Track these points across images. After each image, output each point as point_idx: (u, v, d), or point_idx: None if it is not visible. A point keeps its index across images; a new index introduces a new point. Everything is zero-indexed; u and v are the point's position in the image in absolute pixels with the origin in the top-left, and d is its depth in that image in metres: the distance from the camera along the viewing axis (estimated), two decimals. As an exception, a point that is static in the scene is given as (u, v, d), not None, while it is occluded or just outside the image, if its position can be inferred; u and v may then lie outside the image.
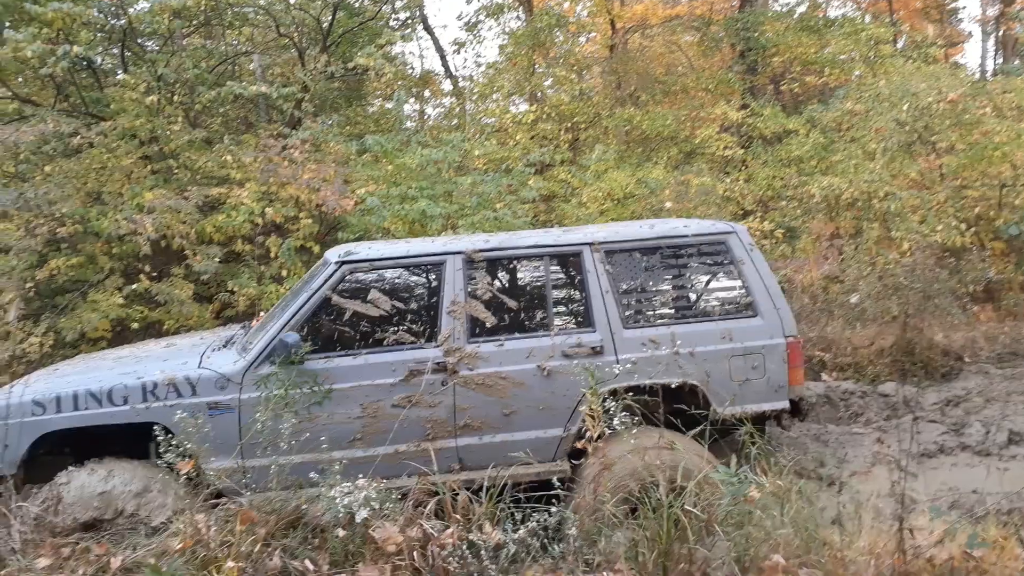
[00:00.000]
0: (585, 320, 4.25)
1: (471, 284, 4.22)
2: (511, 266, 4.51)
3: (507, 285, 4.49)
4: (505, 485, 3.59)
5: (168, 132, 7.88)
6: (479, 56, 27.72)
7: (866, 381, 6.92)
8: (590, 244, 4.32)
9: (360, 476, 3.57)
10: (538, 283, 4.43)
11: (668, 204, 9.19)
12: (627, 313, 4.26)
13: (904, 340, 7.14)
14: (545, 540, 3.27)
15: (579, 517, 3.45)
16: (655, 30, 17.99)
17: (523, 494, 3.60)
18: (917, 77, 10.02)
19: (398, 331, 4.15)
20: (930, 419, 5.98)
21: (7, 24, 7.85)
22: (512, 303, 4.30)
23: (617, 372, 3.98)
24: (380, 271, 4.29)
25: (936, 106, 9.12)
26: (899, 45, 16.42)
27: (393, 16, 14.30)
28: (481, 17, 16.55)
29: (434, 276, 4.32)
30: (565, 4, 17.42)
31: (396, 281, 4.40)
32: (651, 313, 4.36)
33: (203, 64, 8.86)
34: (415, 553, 3.12)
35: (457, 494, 3.54)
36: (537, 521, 3.28)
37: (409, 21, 15.26)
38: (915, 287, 7.36)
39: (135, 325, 6.82)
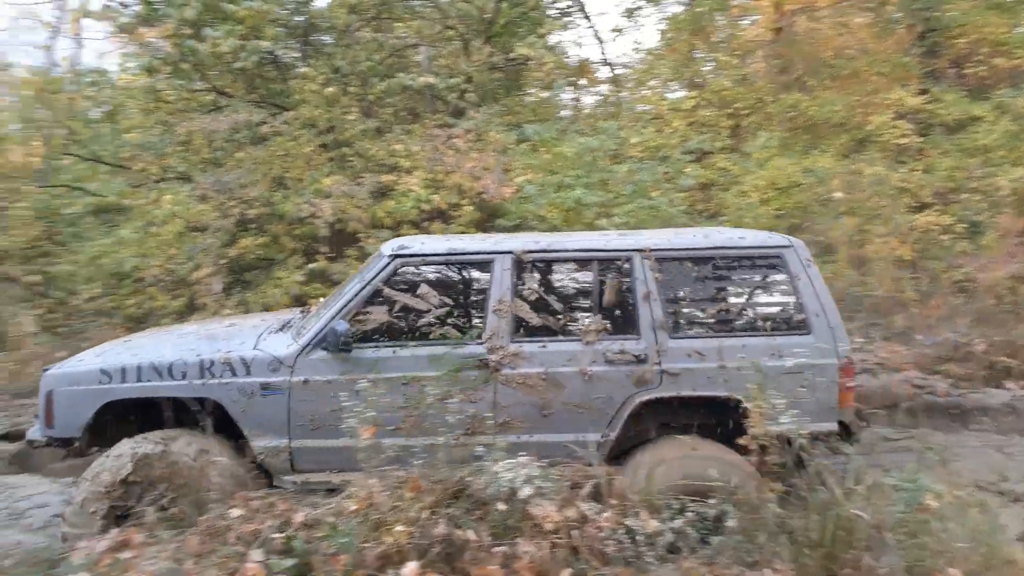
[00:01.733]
0: (631, 327, 4.20)
1: (518, 284, 4.25)
2: (560, 268, 4.47)
3: (554, 287, 4.46)
4: None
5: (343, 122, 8.38)
6: (637, 43, 27.38)
7: (1058, 391, 6.35)
8: (641, 250, 4.26)
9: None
10: (586, 287, 4.37)
11: (838, 194, 8.77)
12: (674, 322, 4.19)
13: (1104, 348, 6.48)
14: (704, 532, 3.27)
15: (740, 512, 3.42)
16: (824, 11, 17.06)
17: None
18: None
19: (444, 326, 4.22)
20: None
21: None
22: (558, 305, 4.30)
23: (659, 381, 3.98)
24: (431, 266, 4.37)
25: None
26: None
27: (552, 4, 14.41)
28: (641, 3, 16.34)
29: (483, 274, 4.34)
30: (728, -14, 16.85)
31: (446, 277, 4.45)
32: (699, 324, 4.25)
33: (375, 56, 9.31)
34: (572, 532, 3.20)
35: (614, 478, 3.61)
36: (696, 512, 3.28)
37: (568, 9, 15.32)
38: (1120, 290, 6.64)
39: (313, 302, 7.32)
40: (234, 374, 4.15)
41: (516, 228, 7.91)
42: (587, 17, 16.25)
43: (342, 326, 4.06)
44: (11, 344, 8.05)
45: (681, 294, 4.26)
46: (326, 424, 4.11)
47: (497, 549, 3.26)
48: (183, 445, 4.06)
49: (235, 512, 3.72)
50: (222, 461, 4.06)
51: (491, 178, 8.00)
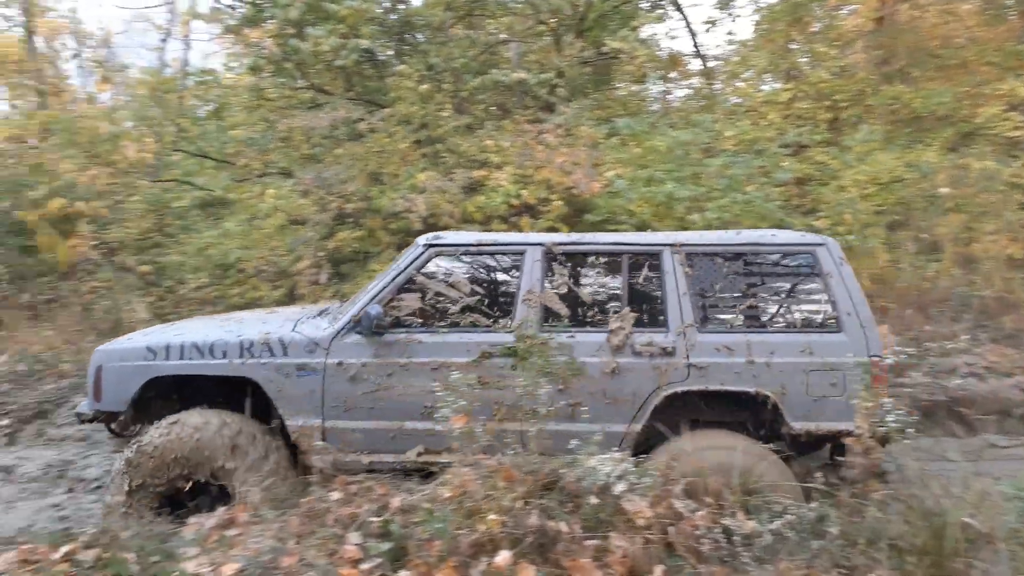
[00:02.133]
0: (659, 320, 4.23)
1: (548, 275, 4.33)
2: (589, 261, 4.52)
3: (584, 280, 4.51)
4: None
5: (437, 119, 8.53)
6: (730, 34, 26.76)
7: None
8: (671, 245, 4.32)
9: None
10: (615, 280, 4.42)
11: (943, 190, 8.37)
12: (703, 317, 4.21)
13: None
14: (803, 535, 3.20)
15: (842, 516, 3.34)
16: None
17: None
18: None
19: (475, 313, 4.33)
20: None
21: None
22: (587, 297, 4.36)
23: (686, 375, 4.07)
24: (464, 256, 4.48)
25: None
26: None
27: (645, -3, 14.23)
28: (736, -7, 15.93)
29: (514, 265, 4.44)
30: (828, -25, 16.25)
31: (477, 267, 4.55)
32: (728, 319, 4.26)
33: (468, 53, 9.44)
34: (668, 529, 3.19)
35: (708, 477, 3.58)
36: (795, 515, 3.22)
37: (660, 1, 15.10)
38: None
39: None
40: (272, 354, 4.34)
41: (604, 223, 7.88)
42: (679, 9, 15.96)
43: (375, 310, 4.21)
44: (125, 330, 8.54)
45: (711, 289, 4.31)
46: (358, 406, 4.26)
47: (589, 542, 3.28)
48: (152, 431, 4.26)
49: (334, 495, 3.86)
50: (194, 420, 4.24)
51: (581, 173, 7.99)
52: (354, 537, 3.37)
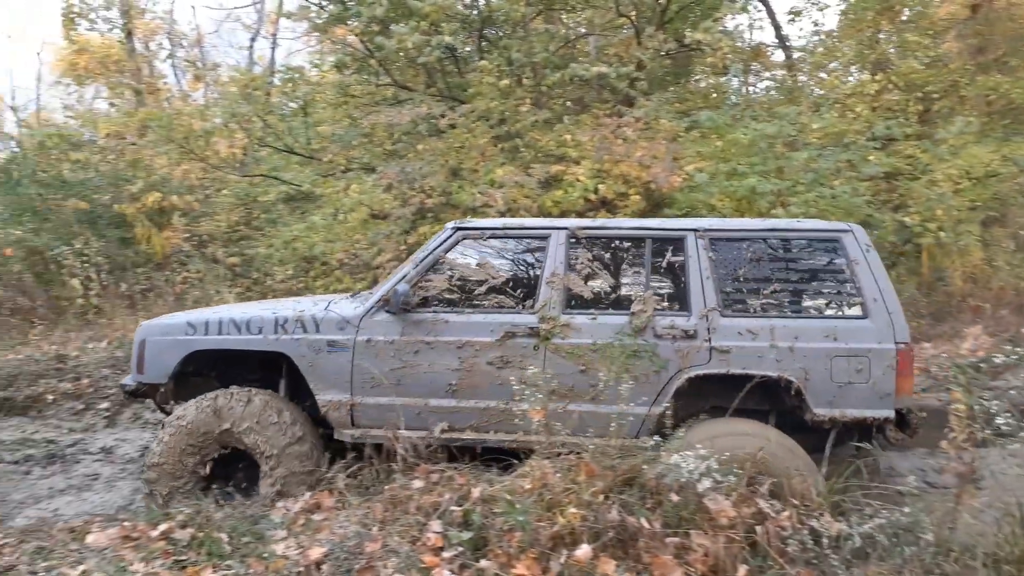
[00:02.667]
0: (681, 303, 4.27)
1: (572, 259, 4.39)
2: (613, 245, 4.56)
3: (607, 263, 4.53)
4: None
5: (516, 114, 8.56)
6: (816, 24, 25.91)
7: None
8: (695, 230, 4.35)
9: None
10: (638, 264, 4.47)
11: (1044, 185, 7.96)
12: (726, 301, 4.22)
13: None
14: (894, 541, 3.12)
15: (936, 521, 3.23)
16: (1031, -16, 15.39)
17: None
18: None
19: (500, 295, 4.40)
20: None
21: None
22: (610, 280, 4.43)
23: (708, 358, 4.06)
24: (491, 239, 4.56)
25: None
26: None
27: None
28: (822, -18, 15.44)
29: (538, 248, 4.50)
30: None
31: (503, 250, 4.63)
32: (752, 303, 4.22)
33: (549, 47, 9.43)
34: (756, 528, 3.15)
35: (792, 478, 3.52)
36: (887, 519, 3.13)
37: (744, -8, 14.73)
38: None
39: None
40: (305, 331, 4.48)
41: (684, 217, 7.77)
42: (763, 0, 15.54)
43: (403, 289, 4.33)
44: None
45: (735, 274, 4.31)
46: (385, 382, 4.36)
47: (670, 539, 3.26)
48: (153, 446, 4.48)
49: (417, 483, 3.94)
50: (175, 414, 4.43)
51: (660, 167, 7.90)
52: (436, 525, 3.44)
